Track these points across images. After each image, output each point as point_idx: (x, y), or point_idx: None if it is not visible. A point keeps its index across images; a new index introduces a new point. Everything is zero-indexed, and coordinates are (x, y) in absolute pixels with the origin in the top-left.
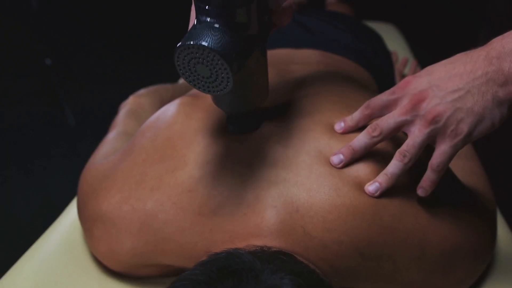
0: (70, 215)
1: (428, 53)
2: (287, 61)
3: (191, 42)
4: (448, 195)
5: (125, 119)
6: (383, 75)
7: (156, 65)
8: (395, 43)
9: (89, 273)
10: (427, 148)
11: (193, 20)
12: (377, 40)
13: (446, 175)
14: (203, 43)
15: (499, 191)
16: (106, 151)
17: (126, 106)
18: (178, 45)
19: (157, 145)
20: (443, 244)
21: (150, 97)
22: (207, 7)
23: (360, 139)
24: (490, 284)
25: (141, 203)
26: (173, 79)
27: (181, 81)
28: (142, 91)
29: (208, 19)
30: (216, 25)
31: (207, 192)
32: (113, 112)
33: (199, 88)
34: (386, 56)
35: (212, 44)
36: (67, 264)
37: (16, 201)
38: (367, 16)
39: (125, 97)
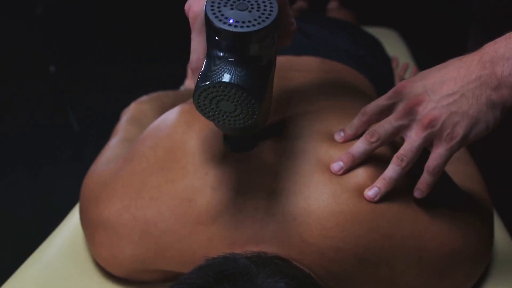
0: (73, 220)
1: (429, 59)
2: (287, 68)
3: (211, 81)
4: (446, 200)
5: (126, 126)
6: (383, 82)
7: (160, 71)
8: (396, 48)
9: (92, 278)
10: (423, 152)
11: (199, 52)
12: (377, 46)
13: (443, 179)
14: (226, 79)
15: (497, 193)
16: (107, 157)
17: (128, 113)
18: (197, 85)
19: (157, 155)
20: (441, 249)
21: (151, 104)
22: (224, 43)
23: (359, 146)
24: (489, 286)
25: (141, 212)
26: (176, 84)
27: (183, 87)
28: (143, 98)
29: (222, 53)
30: (231, 59)
31: (206, 202)
32: (117, 117)
33: (222, 124)
34: (386, 63)
35: (235, 80)
36: (70, 269)
37: (21, 205)
38: (368, 21)
39: (129, 102)
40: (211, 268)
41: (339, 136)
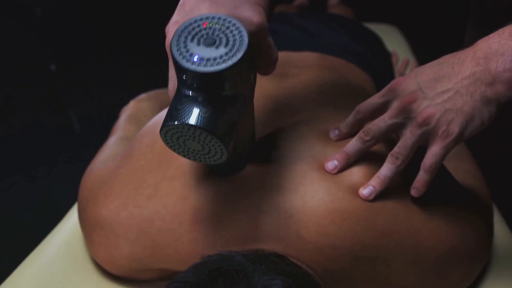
0: (71, 220)
1: (430, 55)
2: (286, 64)
3: (177, 122)
4: (443, 197)
5: (125, 124)
6: (382, 78)
7: (160, 70)
8: (396, 44)
9: (90, 277)
10: (419, 150)
11: (173, 80)
12: (377, 42)
13: (442, 176)
14: (191, 122)
15: (497, 189)
16: (105, 156)
17: (127, 111)
18: (163, 123)
19: (154, 152)
20: (438, 247)
21: (150, 102)
22: (189, 81)
23: (354, 144)
24: (488, 283)
25: (138, 209)
26: None
27: None
28: (142, 96)
29: (188, 92)
30: (199, 99)
31: (201, 200)
32: (118, 117)
33: (192, 159)
34: (385, 58)
35: (200, 123)
36: (68, 268)
37: (20, 205)
38: (369, 17)
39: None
40: (207, 265)
41: (334, 134)
